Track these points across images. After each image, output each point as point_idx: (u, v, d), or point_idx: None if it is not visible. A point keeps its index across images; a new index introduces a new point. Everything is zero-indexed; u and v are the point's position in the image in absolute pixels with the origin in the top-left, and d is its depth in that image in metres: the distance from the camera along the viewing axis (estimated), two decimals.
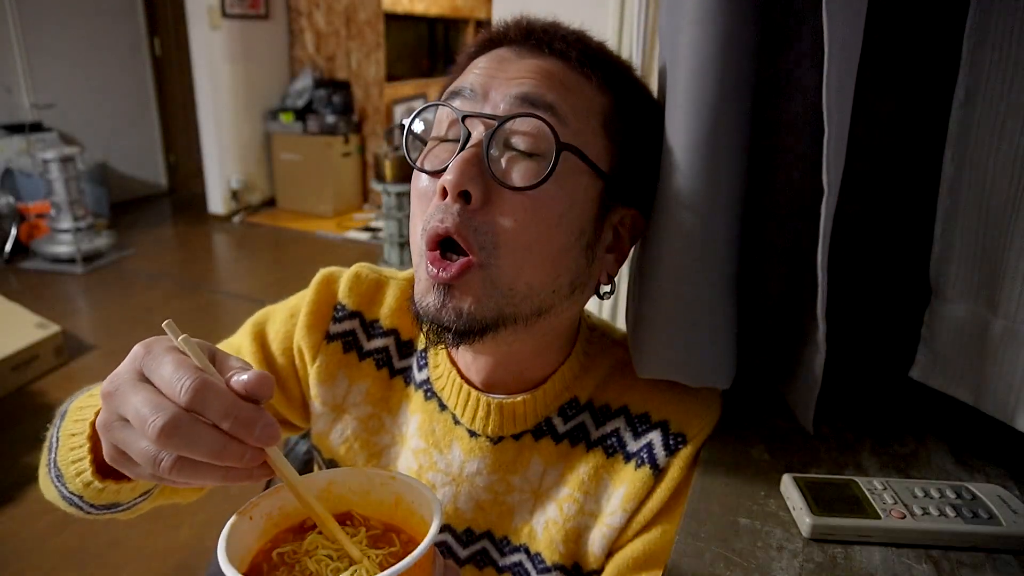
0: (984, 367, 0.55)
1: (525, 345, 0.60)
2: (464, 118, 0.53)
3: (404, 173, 3.86)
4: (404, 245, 4.04)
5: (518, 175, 0.52)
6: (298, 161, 5.58)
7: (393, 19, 5.63)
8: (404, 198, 3.84)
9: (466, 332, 0.53)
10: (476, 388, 0.64)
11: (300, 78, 5.73)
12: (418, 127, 0.60)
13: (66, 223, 4.21)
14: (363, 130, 5.80)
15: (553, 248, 0.54)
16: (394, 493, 0.47)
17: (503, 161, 0.53)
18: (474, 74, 0.56)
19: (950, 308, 0.57)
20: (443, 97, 0.57)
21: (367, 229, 5.33)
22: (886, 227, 0.67)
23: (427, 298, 0.54)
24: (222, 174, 5.49)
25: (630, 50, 1.18)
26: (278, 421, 0.74)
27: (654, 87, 0.62)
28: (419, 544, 0.40)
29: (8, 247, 4.33)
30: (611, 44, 0.61)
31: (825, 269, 0.52)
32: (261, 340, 0.72)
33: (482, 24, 6.01)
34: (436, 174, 0.54)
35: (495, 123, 0.52)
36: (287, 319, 0.71)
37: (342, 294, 0.70)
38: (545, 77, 0.54)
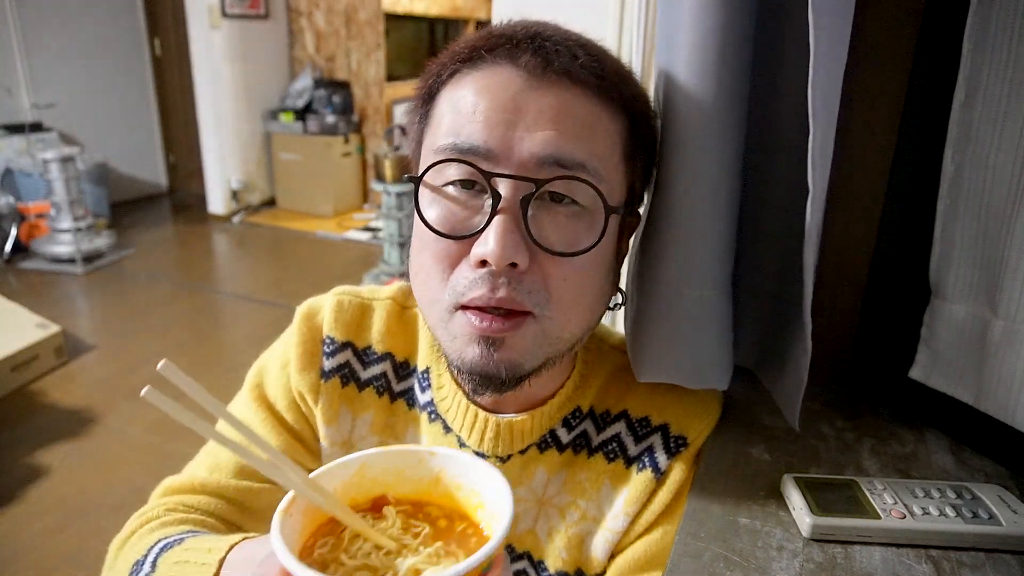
0: (984, 367, 0.55)
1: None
2: (490, 178, 0.49)
3: (404, 173, 3.85)
4: (404, 245, 4.03)
5: (562, 240, 0.51)
6: (298, 161, 5.58)
7: (393, 19, 5.62)
8: (404, 198, 3.83)
9: (513, 380, 0.53)
10: (483, 408, 0.62)
11: (300, 78, 5.73)
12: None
13: (66, 223, 4.21)
14: (363, 130, 5.79)
15: (594, 292, 0.55)
16: (433, 470, 0.46)
17: (542, 223, 0.51)
18: (486, 120, 0.50)
19: (950, 308, 0.57)
20: (446, 142, 0.51)
21: (367, 229, 5.32)
22: (886, 227, 0.67)
23: (469, 351, 0.52)
24: (222, 174, 5.48)
25: (630, 54, 1.18)
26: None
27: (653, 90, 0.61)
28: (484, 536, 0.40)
29: (8, 247, 4.32)
30: (611, 47, 0.61)
31: (812, 269, 0.51)
32: (265, 403, 0.69)
33: (482, 24, 5.99)
34: (465, 239, 0.51)
35: (532, 186, 0.49)
36: (280, 371, 0.68)
37: (328, 327, 0.67)
38: (568, 123, 0.50)
